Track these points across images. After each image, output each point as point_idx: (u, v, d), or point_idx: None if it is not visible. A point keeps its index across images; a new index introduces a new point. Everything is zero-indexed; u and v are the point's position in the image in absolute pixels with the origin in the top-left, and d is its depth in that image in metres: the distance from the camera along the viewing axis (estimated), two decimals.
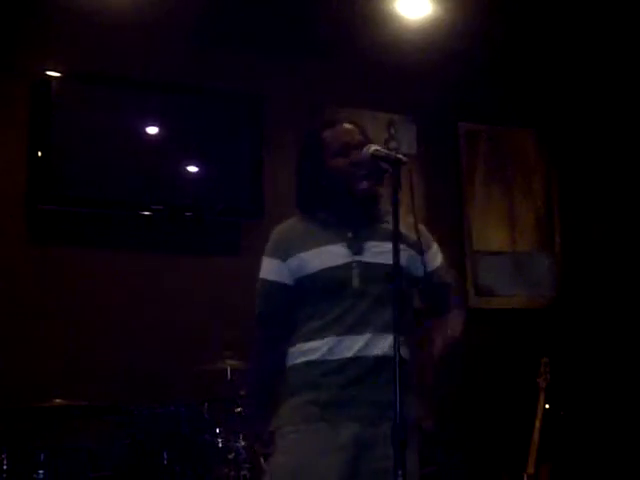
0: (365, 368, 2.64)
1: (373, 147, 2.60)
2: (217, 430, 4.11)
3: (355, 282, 2.70)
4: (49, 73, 4.85)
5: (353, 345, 2.65)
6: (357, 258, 2.72)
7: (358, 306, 2.69)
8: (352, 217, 2.77)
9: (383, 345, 2.66)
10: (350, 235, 2.74)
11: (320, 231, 2.77)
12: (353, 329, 2.67)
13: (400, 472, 2.22)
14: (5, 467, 3.74)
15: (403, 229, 2.71)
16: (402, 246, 2.69)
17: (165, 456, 3.99)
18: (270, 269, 2.80)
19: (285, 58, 5.52)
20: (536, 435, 5.00)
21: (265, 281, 2.81)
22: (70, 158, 4.86)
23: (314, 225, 2.79)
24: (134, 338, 4.88)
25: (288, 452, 2.62)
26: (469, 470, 5.33)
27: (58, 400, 3.90)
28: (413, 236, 2.77)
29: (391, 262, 2.62)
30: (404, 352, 2.65)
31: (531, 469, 4.91)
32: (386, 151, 2.60)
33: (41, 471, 3.78)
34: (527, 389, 5.21)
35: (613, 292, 5.91)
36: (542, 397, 5.15)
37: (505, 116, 6.03)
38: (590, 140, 6.10)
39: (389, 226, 2.70)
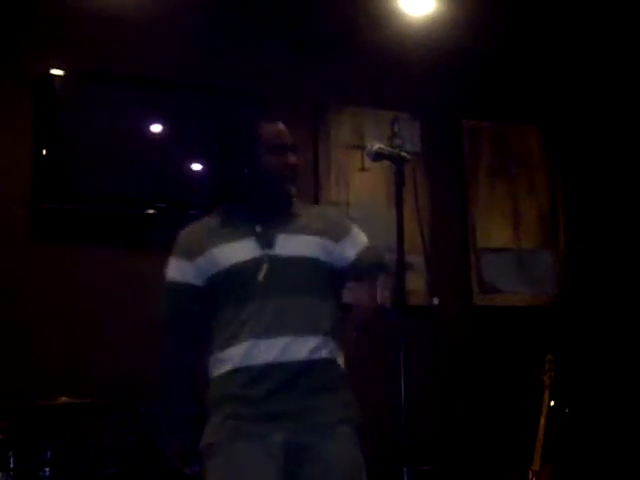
0: (285, 375, 2.53)
1: (377, 145, 2.60)
2: None
3: (260, 276, 2.59)
4: (53, 71, 4.86)
5: (270, 350, 2.53)
6: (268, 252, 2.63)
7: (270, 305, 2.57)
8: (261, 212, 2.71)
9: (303, 349, 2.55)
10: (259, 229, 2.67)
11: (228, 227, 2.70)
12: (269, 331, 2.55)
13: (405, 469, 2.22)
14: (12, 465, 3.75)
15: (314, 218, 2.73)
16: (313, 238, 2.70)
17: None
18: (176, 270, 2.76)
19: (288, 56, 5.52)
20: (541, 432, 5.00)
21: (171, 283, 2.78)
22: (74, 156, 4.87)
23: (221, 222, 2.73)
24: (139, 336, 4.86)
25: (219, 472, 2.52)
26: (473, 467, 5.33)
27: (64, 398, 3.90)
28: (326, 224, 2.70)
29: (305, 253, 2.62)
30: (332, 353, 2.61)
31: (536, 466, 4.92)
32: (390, 149, 2.60)
33: (47, 469, 3.78)
34: (531, 386, 5.22)
35: (617, 289, 5.91)
36: (547, 394, 5.15)
37: (509, 113, 6.02)
38: (594, 137, 6.10)
39: (301, 219, 2.73)
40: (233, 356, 2.57)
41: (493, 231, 5.87)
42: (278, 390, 2.52)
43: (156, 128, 5.14)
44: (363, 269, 2.75)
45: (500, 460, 5.22)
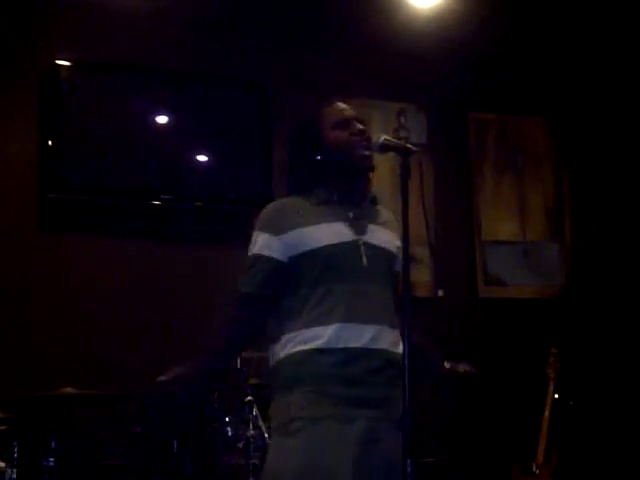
0: (374, 362, 2.53)
1: (383, 136, 2.59)
2: (227, 419, 4.11)
3: (365, 261, 2.59)
4: (58, 62, 4.86)
5: (363, 334, 2.53)
6: (362, 238, 2.64)
7: (366, 291, 2.57)
8: (353, 194, 2.70)
9: (390, 339, 2.58)
10: (351, 215, 2.66)
11: (319, 209, 2.66)
12: (361, 316, 2.55)
13: (409, 461, 2.22)
14: (16, 455, 3.76)
15: (389, 216, 2.74)
16: (392, 234, 2.72)
17: (175, 445, 4.00)
18: (262, 244, 2.64)
19: (294, 47, 5.52)
20: (545, 425, 5.00)
21: (259, 257, 2.64)
22: (80, 147, 4.87)
23: (311, 204, 2.67)
24: (144, 326, 4.89)
25: (298, 452, 2.48)
26: (478, 459, 5.33)
27: (68, 389, 3.91)
28: (398, 226, 2.65)
29: (391, 248, 2.64)
30: (400, 348, 2.56)
31: (540, 458, 4.92)
32: (396, 140, 2.59)
33: (51, 459, 3.79)
34: (536, 379, 5.22)
35: (623, 282, 5.90)
36: (551, 387, 5.15)
37: (515, 106, 6.01)
38: (600, 130, 6.08)
39: (384, 212, 2.77)
40: (322, 335, 2.53)
41: (499, 223, 5.86)
42: (368, 375, 2.52)
43: (162, 119, 5.13)
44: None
45: (504, 452, 5.22)
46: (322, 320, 2.54)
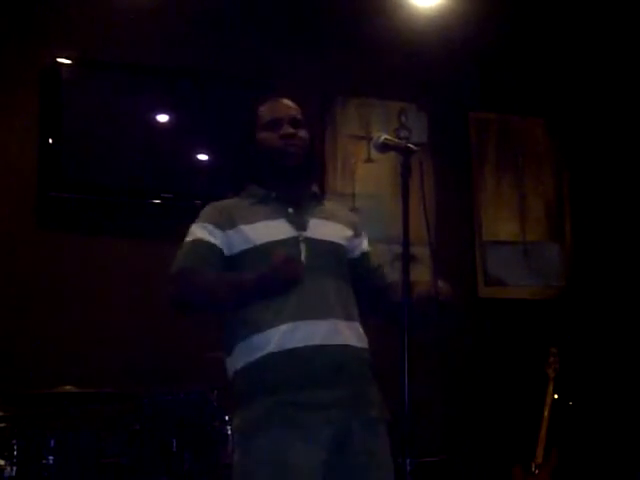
0: (332, 359, 2.47)
1: (384, 136, 2.59)
2: (226, 417, 4.11)
3: (302, 256, 2.54)
4: (59, 60, 4.86)
5: (315, 331, 2.48)
6: (302, 233, 2.60)
7: (311, 286, 2.49)
8: (290, 192, 2.66)
9: (348, 332, 2.53)
10: (291, 211, 2.64)
11: (258, 207, 2.65)
12: (311, 313, 2.49)
13: (408, 460, 2.22)
14: (15, 453, 3.76)
15: (336, 208, 2.74)
16: (339, 225, 2.70)
17: (174, 443, 4.00)
18: (205, 231, 2.62)
19: (295, 46, 5.51)
20: (544, 425, 5.00)
21: (199, 241, 2.60)
22: (80, 145, 4.87)
23: (250, 203, 2.67)
24: (143, 325, 4.89)
25: (263, 461, 2.42)
26: (477, 459, 5.34)
27: (68, 387, 3.91)
28: (347, 216, 2.71)
29: (337, 240, 2.61)
30: (364, 341, 2.61)
31: (539, 458, 4.92)
32: (396, 140, 2.59)
33: (51, 457, 3.79)
34: (536, 379, 5.21)
35: (623, 282, 5.90)
36: (551, 387, 5.15)
37: (516, 105, 6.01)
38: (601, 130, 6.08)
39: (329, 205, 2.75)
40: (272, 338, 2.47)
41: (499, 223, 5.86)
42: (327, 375, 2.46)
43: (162, 117, 5.13)
44: (369, 266, 2.76)
45: (503, 452, 5.22)
46: (271, 322, 2.48)
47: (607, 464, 5.35)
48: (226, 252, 2.59)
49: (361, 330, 2.60)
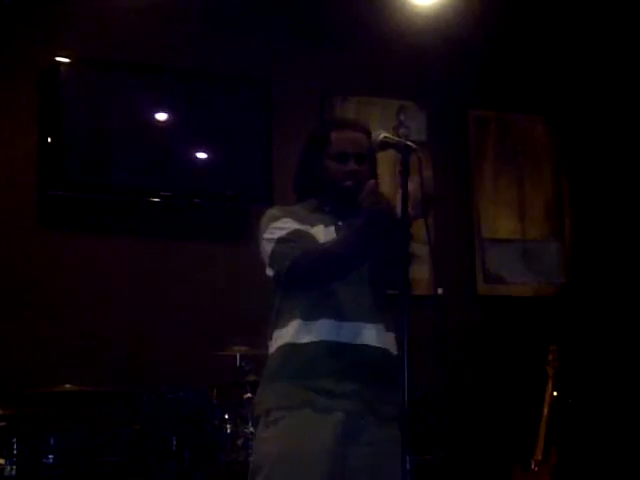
0: (359, 358, 2.62)
1: (383, 134, 2.59)
2: (225, 416, 4.12)
3: None
4: (58, 59, 4.86)
5: (350, 331, 2.63)
6: None
7: (354, 290, 2.66)
8: (341, 209, 2.80)
9: (375, 336, 2.66)
10: (340, 223, 2.78)
11: (314, 215, 2.79)
12: (350, 314, 2.64)
13: (408, 457, 2.22)
14: (15, 452, 3.76)
15: None
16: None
17: (173, 442, 4.00)
18: (290, 222, 2.74)
19: (295, 44, 5.51)
20: (544, 422, 5.00)
21: (294, 230, 2.70)
22: (79, 144, 4.87)
23: (307, 210, 2.82)
24: (143, 324, 4.89)
25: (278, 440, 2.57)
26: (477, 457, 5.34)
27: (67, 385, 3.92)
28: None
29: None
30: (395, 348, 2.69)
31: (539, 456, 4.92)
32: (395, 138, 2.59)
33: (50, 456, 3.80)
34: (535, 376, 5.21)
35: (622, 280, 5.90)
36: (550, 384, 5.15)
37: (515, 103, 6.01)
38: (600, 128, 6.08)
39: None
40: (308, 331, 2.64)
41: (498, 221, 5.87)
42: (349, 369, 2.60)
43: (162, 116, 5.13)
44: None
45: (502, 449, 5.23)
46: (308, 316, 2.64)
47: (606, 462, 5.36)
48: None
49: (391, 336, 2.70)
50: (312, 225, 2.75)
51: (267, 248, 2.72)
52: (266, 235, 2.76)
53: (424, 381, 2.94)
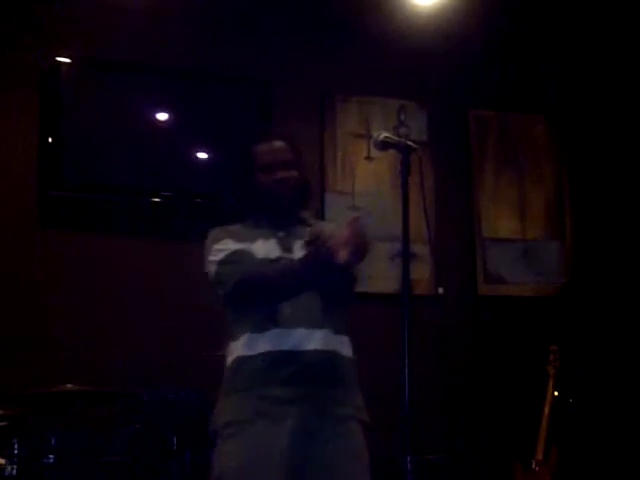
0: (306, 363, 2.67)
1: (383, 134, 2.59)
2: None
3: None
4: (59, 59, 4.86)
5: (296, 338, 2.69)
6: (287, 255, 2.80)
7: (300, 299, 2.72)
8: (280, 221, 2.88)
9: (321, 340, 2.71)
10: (281, 234, 2.85)
11: (255, 229, 2.88)
12: (296, 322, 2.70)
13: (409, 458, 2.22)
14: (16, 452, 3.76)
15: (320, 229, 2.82)
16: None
17: (175, 441, 4.00)
18: (229, 244, 2.83)
19: (295, 44, 5.52)
20: (545, 422, 5.01)
21: (230, 253, 2.80)
22: (80, 144, 4.87)
23: (249, 227, 2.91)
24: (145, 324, 4.89)
25: (236, 455, 2.62)
26: (477, 456, 5.34)
27: (69, 385, 3.91)
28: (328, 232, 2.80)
29: None
30: (347, 350, 2.78)
31: (540, 455, 4.92)
32: (396, 138, 2.60)
33: (51, 456, 3.80)
34: (536, 376, 5.22)
35: (623, 280, 5.90)
36: (551, 384, 5.15)
37: (515, 103, 6.00)
38: (601, 127, 6.08)
39: (318, 226, 2.88)
40: (256, 342, 2.72)
41: (499, 221, 5.86)
42: (299, 375, 2.66)
43: (162, 116, 5.13)
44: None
45: (504, 449, 5.23)
46: (257, 329, 2.73)
47: (607, 461, 5.35)
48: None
49: (340, 338, 2.77)
50: (252, 241, 2.83)
51: (212, 269, 2.84)
52: (210, 257, 2.86)
53: (424, 381, 2.94)
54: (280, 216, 2.88)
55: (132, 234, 5.01)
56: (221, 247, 2.84)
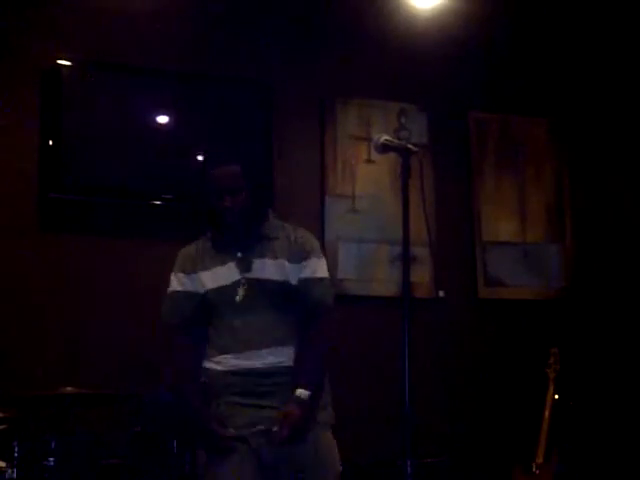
0: (265, 378, 2.93)
1: (384, 137, 2.60)
2: None
3: (239, 298, 2.98)
4: (60, 61, 4.85)
5: (251, 357, 2.95)
6: (246, 275, 2.99)
7: (241, 323, 2.97)
8: (238, 241, 3.05)
9: (274, 357, 2.95)
10: (239, 255, 3.02)
11: (215, 252, 3.08)
12: (249, 344, 2.94)
13: (409, 462, 2.22)
14: (16, 454, 3.75)
15: (284, 243, 3.05)
16: (280, 261, 3.03)
17: (174, 444, 4.00)
18: (177, 282, 3.14)
19: (296, 47, 5.52)
20: (545, 425, 5.01)
21: (173, 292, 3.15)
22: (81, 147, 4.87)
23: (210, 246, 3.11)
24: (145, 326, 4.88)
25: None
26: (478, 460, 5.34)
27: (69, 388, 3.91)
28: (294, 246, 3.05)
29: (276, 277, 2.98)
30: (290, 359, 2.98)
31: (540, 459, 4.92)
32: (396, 141, 2.60)
33: (51, 458, 3.79)
34: (536, 379, 5.22)
35: (623, 283, 5.90)
36: (551, 387, 5.16)
37: (516, 105, 6.01)
38: (602, 130, 6.08)
39: (274, 243, 3.06)
40: (218, 363, 3.03)
41: (499, 224, 5.86)
42: (252, 389, 2.95)
43: (163, 118, 5.13)
44: (305, 296, 3.05)
45: (504, 452, 5.22)
46: (220, 350, 3.04)
47: (608, 464, 5.35)
48: (200, 291, 3.10)
49: (289, 350, 2.99)
50: (206, 268, 3.06)
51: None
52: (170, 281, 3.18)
53: (424, 384, 2.94)
54: (237, 236, 3.05)
55: (133, 237, 5.00)
56: (172, 279, 3.16)
